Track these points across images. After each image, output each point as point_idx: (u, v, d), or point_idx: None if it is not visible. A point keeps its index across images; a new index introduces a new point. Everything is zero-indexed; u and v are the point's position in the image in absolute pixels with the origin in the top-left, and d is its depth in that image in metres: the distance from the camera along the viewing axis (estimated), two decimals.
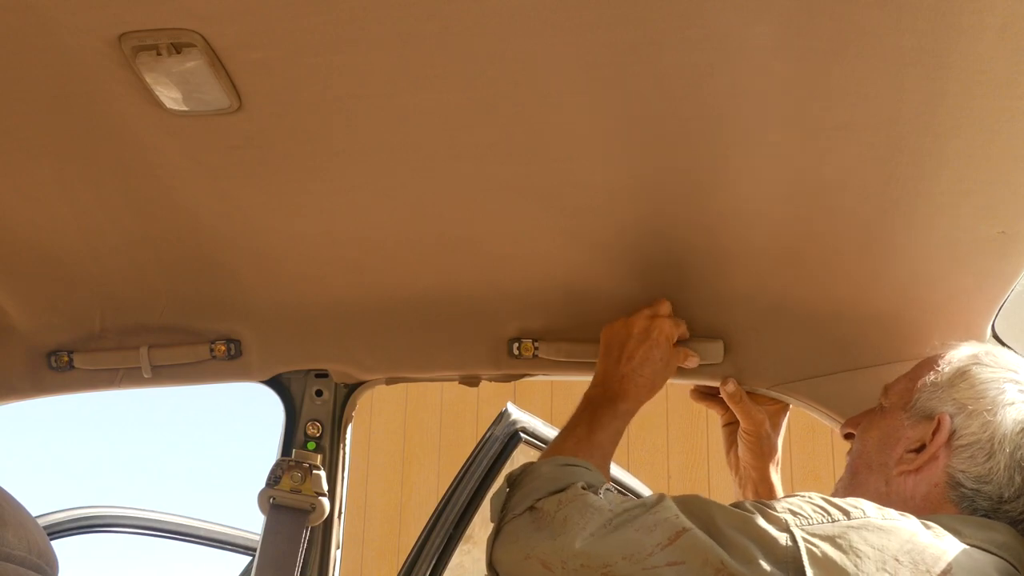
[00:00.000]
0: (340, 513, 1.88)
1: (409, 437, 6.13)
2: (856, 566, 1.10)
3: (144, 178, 1.40)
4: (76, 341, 1.79)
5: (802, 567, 1.10)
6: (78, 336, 1.79)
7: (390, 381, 1.84)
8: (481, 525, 2.19)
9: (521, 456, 2.22)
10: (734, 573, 1.11)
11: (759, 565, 1.11)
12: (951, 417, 1.30)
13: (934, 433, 1.29)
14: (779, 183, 1.35)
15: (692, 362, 1.62)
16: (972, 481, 1.26)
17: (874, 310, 1.58)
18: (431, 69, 1.15)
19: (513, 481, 1.33)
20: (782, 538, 1.12)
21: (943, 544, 1.14)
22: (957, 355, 1.37)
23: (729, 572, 1.11)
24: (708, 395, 1.75)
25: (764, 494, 1.68)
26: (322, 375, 1.85)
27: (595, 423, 1.47)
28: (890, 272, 1.51)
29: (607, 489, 1.28)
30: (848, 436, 1.47)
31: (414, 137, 1.29)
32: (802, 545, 1.11)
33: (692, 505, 1.19)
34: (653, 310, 1.56)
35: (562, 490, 1.26)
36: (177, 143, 1.30)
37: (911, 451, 1.31)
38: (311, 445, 1.84)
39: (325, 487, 1.81)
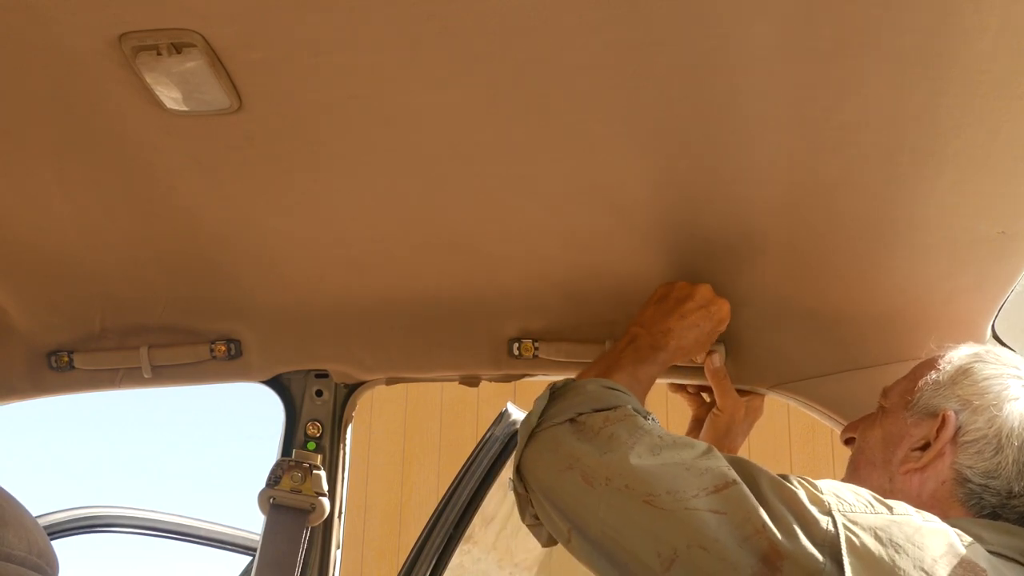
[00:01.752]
0: (340, 513, 1.88)
1: (409, 437, 6.13)
2: (893, 561, 1.08)
3: (144, 178, 1.40)
4: (76, 341, 1.79)
5: (839, 552, 1.08)
6: (78, 336, 1.79)
7: (390, 381, 1.84)
8: (481, 525, 2.19)
9: None
10: (772, 540, 1.09)
11: (799, 540, 1.08)
12: (956, 413, 1.29)
13: (939, 430, 1.29)
14: (779, 183, 1.35)
15: (716, 360, 1.63)
16: (980, 477, 1.25)
17: (874, 310, 1.58)
18: (431, 69, 1.15)
19: (555, 391, 1.31)
20: (823, 521, 1.10)
21: (976, 553, 1.13)
22: (957, 354, 1.37)
23: (768, 537, 1.09)
24: (683, 386, 1.75)
25: None
26: (322, 375, 1.85)
27: (639, 361, 1.45)
28: (890, 272, 1.51)
29: (654, 418, 1.27)
30: (849, 441, 1.46)
31: (414, 137, 1.29)
32: (842, 531, 1.09)
33: (739, 464, 1.17)
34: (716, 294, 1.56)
35: (609, 409, 1.26)
36: (177, 143, 1.30)
37: (916, 449, 1.31)
38: (311, 445, 1.84)
39: (325, 487, 1.81)
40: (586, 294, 1.65)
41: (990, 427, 1.27)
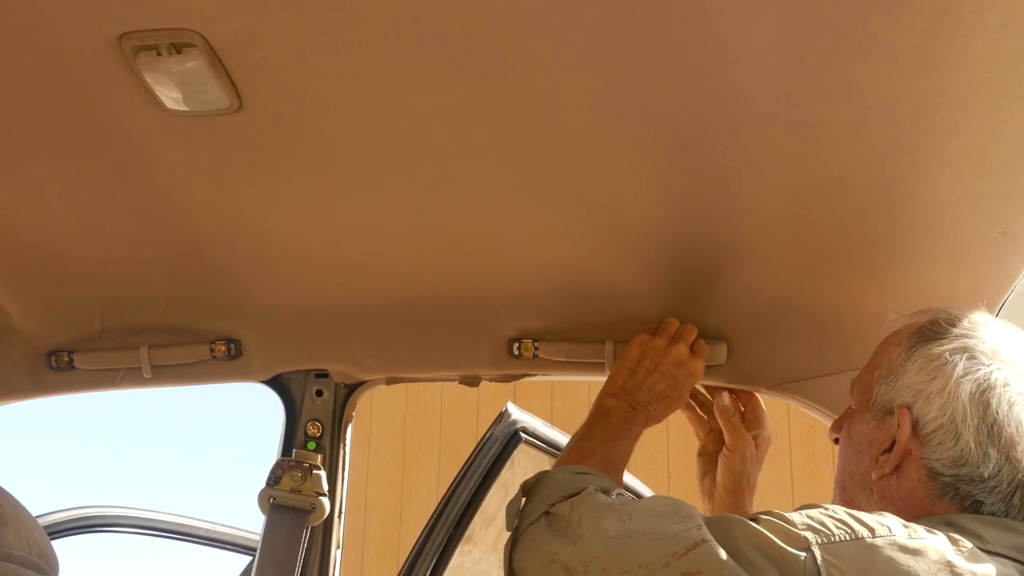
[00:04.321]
0: (340, 513, 1.88)
1: (409, 437, 6.14)
2: None
3: (144, 178, 1.40)
4: (76, 341, 1.79)
5: None
6: (78, 336, 1.79)
7: (390, 381, 1.84)
8: (481, 525, 2.19)
9: (521, 456, 2.22)
10: None
11: None
12: (909, 408, 1.25)
13: (899, 428, 1.25)
14: (779, 183, 1.35)
15: (725, 398, 1.64)
16: (949, 467, 1.21)
17: (874, 310, 1.58)
18: (431, 69, 1.15)
19: (528, 489, 1.33)
20: (801, 557, 1.08)
21: (972, 565, 1.10)
22: (907, 333, 1.31)
23: None
24: (690, 408, 1.73)
25: None
26: (322, 375, 1.85)
27: (609, 439, 1.47)
28: (890, 272, 1.51)
29: (619, 492, 1.27)
30: (837, 441, 1.43)
31: (414, 137, 1.29)
32: (822, 566, 1.07)
33: (717, 521, 1.16)
34: (665, 335, 1.58)
35: (575, 494, 1.26)
36: (177, 143, 1.30)
37: (884, 452, 1.27)
38: (311, 445, 1.84)
39: (325, 487, 1.81)
40: (586, 294, 1.65)
41: (944, 414, 1.22)
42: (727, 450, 1.66)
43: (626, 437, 1.49)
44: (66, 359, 1.80)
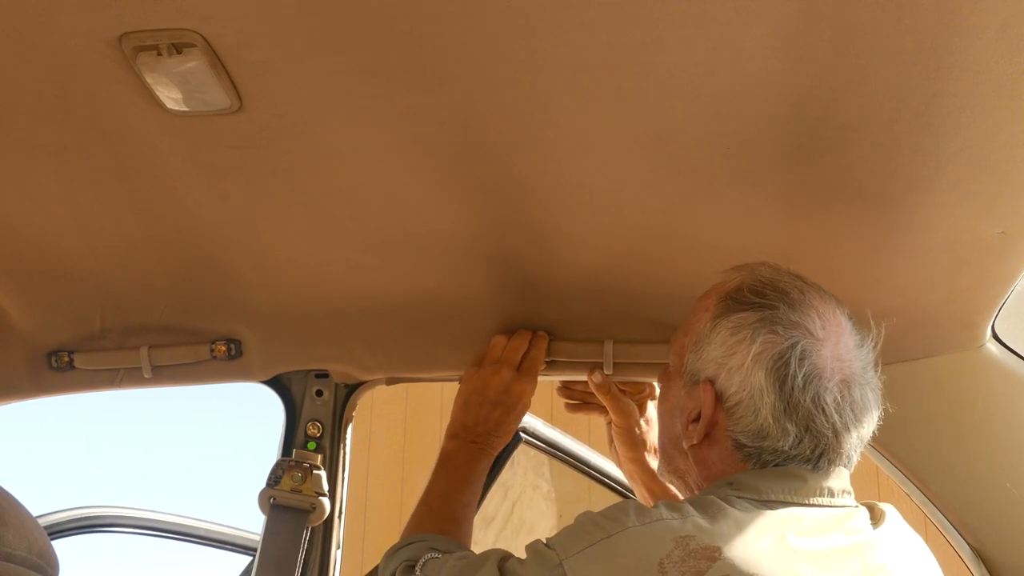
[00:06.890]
0: (340, 513, 1.88)
1: (409, 437, 6.14)
2: None
3: (144, 178, 1.40)
4: (76, 341, 1.79)
5: None
6: (78, 336, 1.79)
7: (390, 381, 1.84)
8: (481, 525, 2.19)
9: (521, 456, 2.22)
10: None
11: None
12: (712, 382, 1.26)
13: (704, 402, 1.27)
14: (779, 183, 1.35)
15: (597, 376, 1.68)
16: (751, 439, 1.23)
17: (874, 310, 1.57)
18: (431, 69, 1.15)
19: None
20: (555, 572, 1.14)
21: (712, 527, 1.13)
22: (716, 297, 1.32)
23: None
24: (584, 404, 1.76)
25: (648, 482, 1.70)
26: (322, 375, 1.85)
27: (450, 491, 1.56)
28: (890, 272, 1.51)
29: (430, 558, 1.33)
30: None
31: (414, 137, 1.29)
32: (569, 574, 1.13)
33: (504, 560, 1.23)
34: (489, 362, 1.65)
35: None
36: (177, 143, 1.30)
37: (693, 421, 1.29)
38: (311, 445, 1.84)
39: (325, 487, 1.81)
40: (588, 293, 1.65)
41: (743, 390, 1.23)
42: (615, 425, 1.71)
43: (469, 481, 1.57)
44: (66, 359, 1.80)
